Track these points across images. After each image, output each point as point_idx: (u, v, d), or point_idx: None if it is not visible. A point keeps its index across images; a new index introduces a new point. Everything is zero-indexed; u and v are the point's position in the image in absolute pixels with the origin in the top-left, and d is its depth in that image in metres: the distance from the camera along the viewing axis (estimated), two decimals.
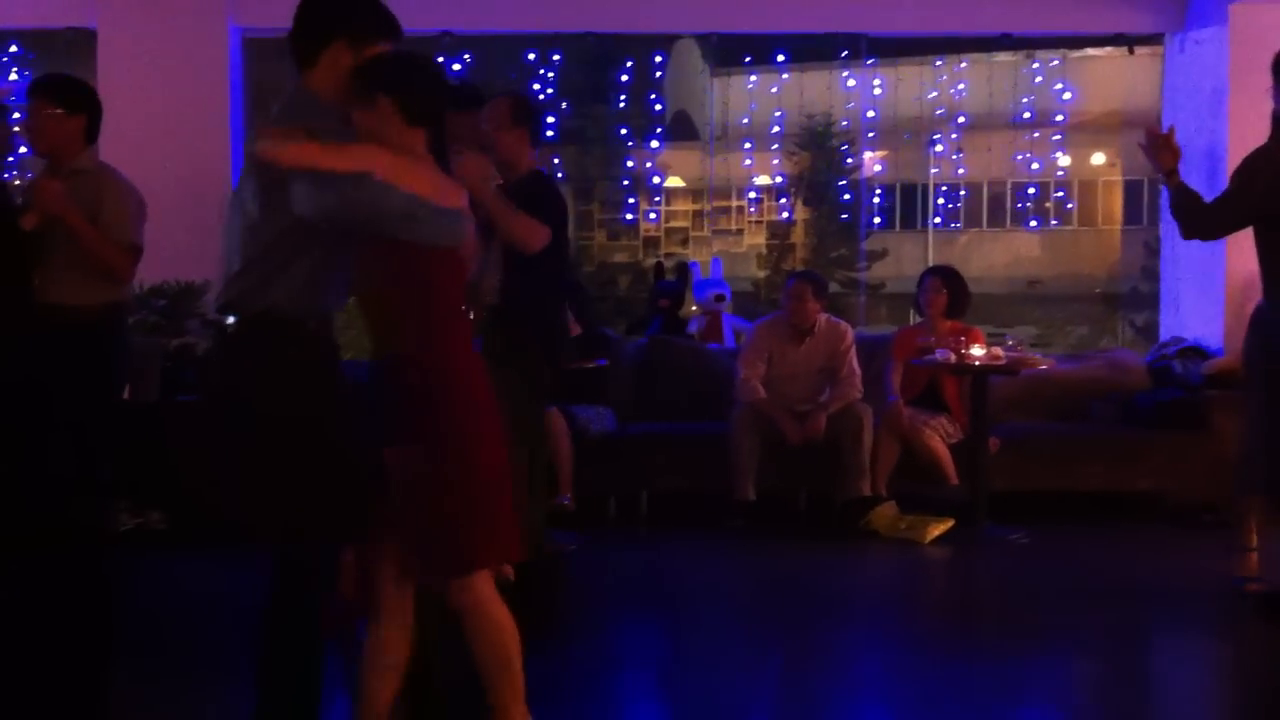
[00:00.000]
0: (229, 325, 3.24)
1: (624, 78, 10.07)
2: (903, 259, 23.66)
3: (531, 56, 8.96)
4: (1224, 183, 7.72)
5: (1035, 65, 11.00)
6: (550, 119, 9.67)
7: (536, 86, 9.09)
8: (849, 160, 22.61)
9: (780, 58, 9.91)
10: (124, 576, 5.46)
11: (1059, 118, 10.39)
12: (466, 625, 3.27)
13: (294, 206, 3.10)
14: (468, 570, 3.23)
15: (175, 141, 7.45)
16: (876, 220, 21.87)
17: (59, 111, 5.01)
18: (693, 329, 9.50)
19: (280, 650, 3.23)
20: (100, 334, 4.98)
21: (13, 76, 8.48)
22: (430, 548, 3.19)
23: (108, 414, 5.07)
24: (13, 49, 8.55)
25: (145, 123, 7.34)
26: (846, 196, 22.32)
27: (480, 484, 3.21)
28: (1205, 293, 8.01)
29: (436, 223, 3.16)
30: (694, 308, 9.93)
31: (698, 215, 25.34)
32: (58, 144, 5.03)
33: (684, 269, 9.98)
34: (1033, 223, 21.54)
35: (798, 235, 24.80)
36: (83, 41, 7.82)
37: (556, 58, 8.96)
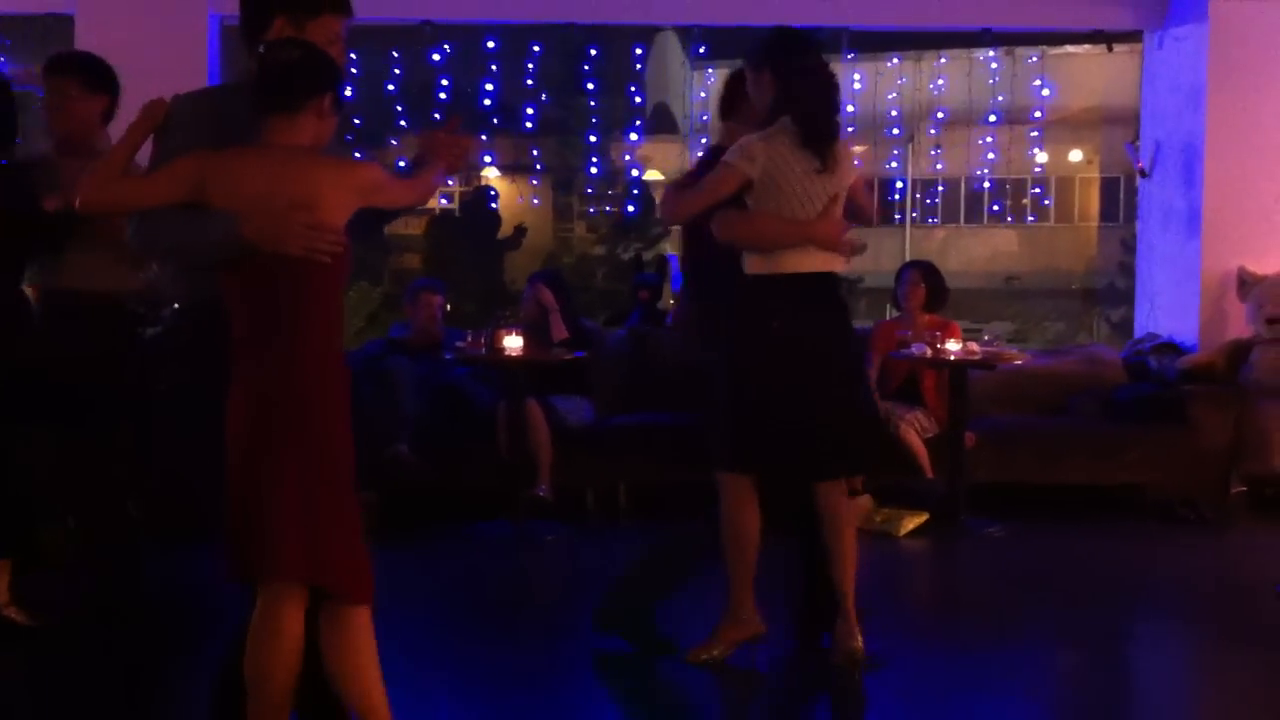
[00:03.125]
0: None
1: (604, 70, 10.05)
2: (881, 254, 23.61)
3: (511, 47, 8.93)
4: (1201, 179, 7.82)
5: (1014, 61, 11.03)
6: (529, 110, 9.67)
7: (516, 77, 9.08)
8: None
9: None
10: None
11: (1037, 114, 10.41)
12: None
13: None
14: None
15: None
16: None
17: (82, 91, 4.79)
18: (671, 321, 9.49)
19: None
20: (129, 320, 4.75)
21: None
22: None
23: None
24: None
25: (123, 110, 7.27)
26: None
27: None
28: (1181, 289, 8.04)
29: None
30: (673, 300, 9.92)
31: None
32: (77, 125, 4.79)
33: (663, 262, 9.98)
34: (1009, 219, 21.60)
35: None
36: (60, 28, 7.75)
37: (537, 48, 8.94)
